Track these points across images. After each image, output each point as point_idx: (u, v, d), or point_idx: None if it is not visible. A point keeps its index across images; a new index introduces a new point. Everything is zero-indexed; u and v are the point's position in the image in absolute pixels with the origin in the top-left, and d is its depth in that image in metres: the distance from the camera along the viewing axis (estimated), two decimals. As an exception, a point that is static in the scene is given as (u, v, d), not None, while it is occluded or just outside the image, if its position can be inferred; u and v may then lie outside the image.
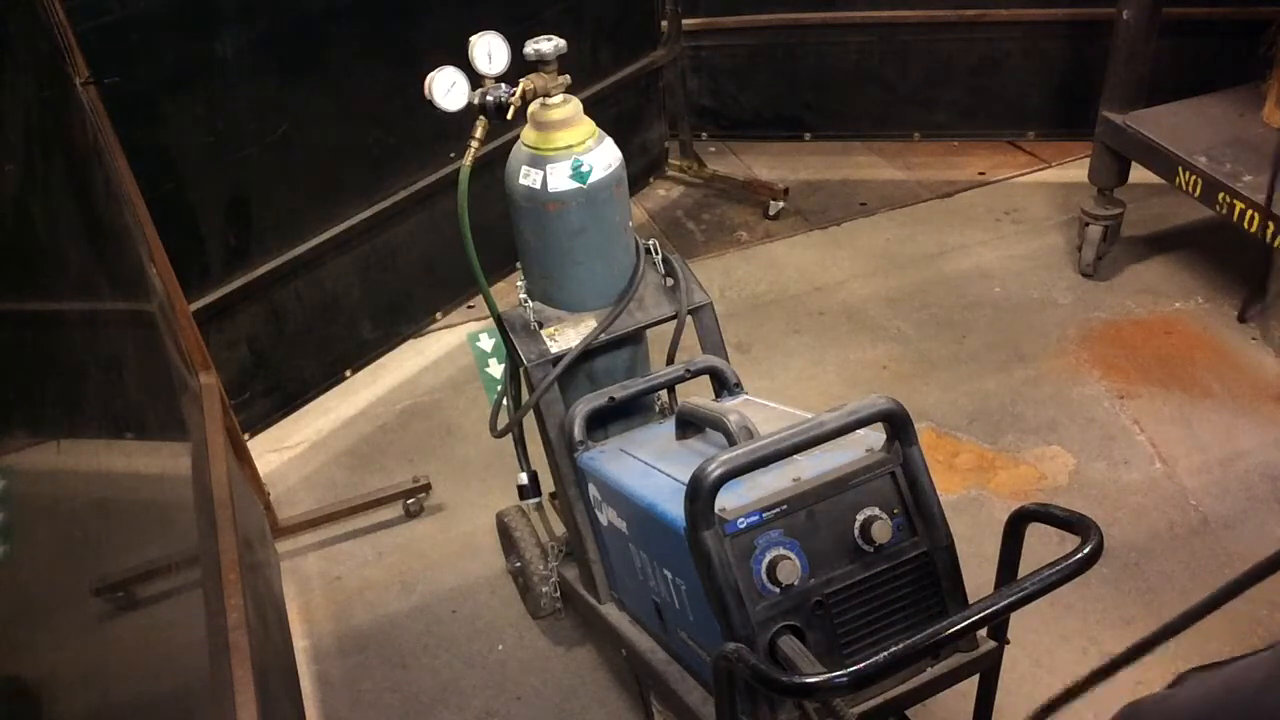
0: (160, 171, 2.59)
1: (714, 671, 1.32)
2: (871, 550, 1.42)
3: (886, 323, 3.22)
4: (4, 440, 0.99)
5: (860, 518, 1.42)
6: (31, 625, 0.91)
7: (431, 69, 1.79)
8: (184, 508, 1.70)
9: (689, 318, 1.97)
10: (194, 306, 2.51)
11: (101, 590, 1.17)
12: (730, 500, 1.37)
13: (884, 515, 1.42)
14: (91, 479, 1.28)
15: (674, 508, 1.45)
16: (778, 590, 1.36)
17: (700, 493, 1.29)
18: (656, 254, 1.98)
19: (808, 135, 4.31)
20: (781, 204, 3.86)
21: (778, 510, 1.38)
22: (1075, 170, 3.75)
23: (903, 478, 1.45)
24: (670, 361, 2.05)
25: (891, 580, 1.43)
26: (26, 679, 0.87)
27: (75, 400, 1.30)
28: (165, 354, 1.95)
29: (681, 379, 1.98)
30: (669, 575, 1.57)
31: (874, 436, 1.48)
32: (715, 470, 1.28)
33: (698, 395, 1.97)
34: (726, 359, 2.02)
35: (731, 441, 1.52)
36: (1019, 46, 3.91)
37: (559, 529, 2.28)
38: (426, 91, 1.78)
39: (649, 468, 1.69)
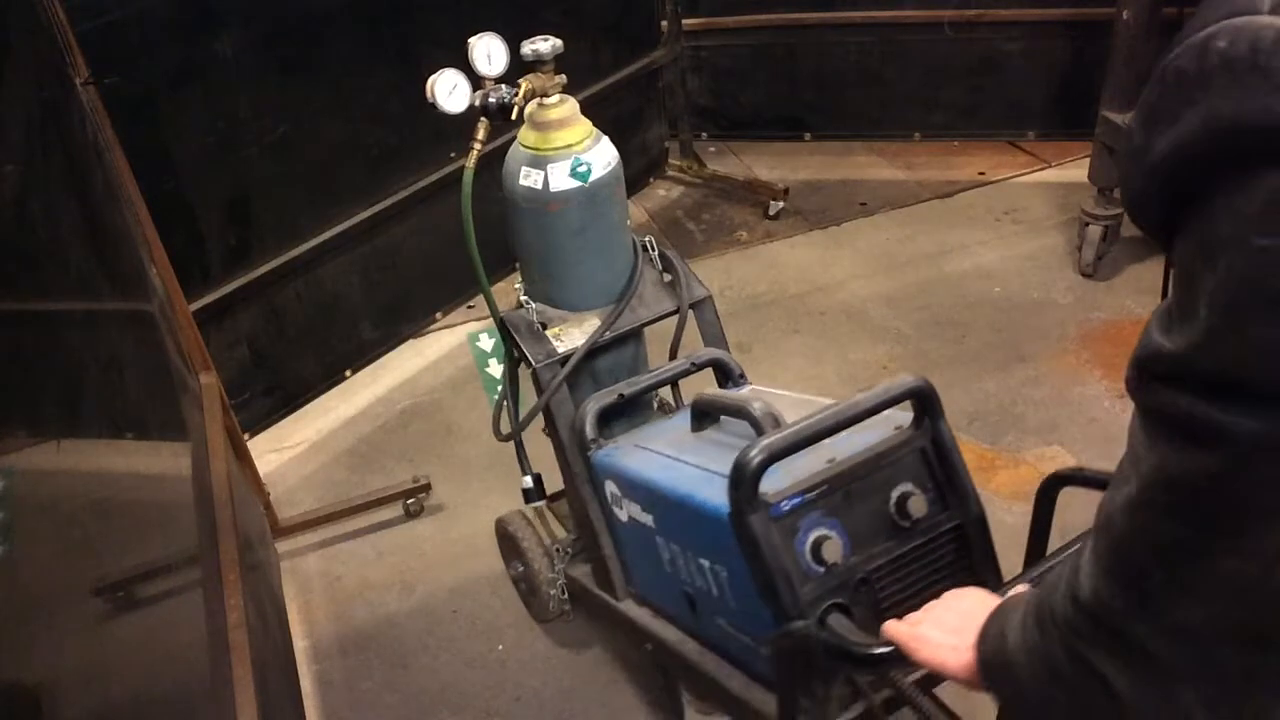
0: (160, 171, 2.59)
1: (777, 650, 1.35)
2: (908, 525, 1.45)
3: (886, 323, 3.22)
4: (4, 440, 0.99)
5: (895, 494, 1.45)
6: (31, 625, 0.91)
7: (431, 69, 1.79)
8: (184, 508, 1.70)
9: (690, 312, 1.99)
10: (194, 306, 2.51)
11: (101, 590, 1.17)
12: (770, 484, 1.39)
13: (918, 491, 1.45)
14: (91, 479, 1.28)
15: (712, 495, 1.47)
16: (822, 569, 1.39)
17: (745, 477, 1.31)
18: (653, 250, 1.99)
19: (808, 135, 4.31)
20: (781, 204, 3.86)
21: (819, 491, 1.41)
22: (1075, 170, 3.74)
23: (933, 453, 1.48)
24: (673, 356, 2.06)
25: (929, 553, 1.46)
26: (26, 679, 0.87)
27: (75, 400, 1.30)
28: (165, 354, 1.95)
29: (687, 372, 1.99)
30: (706, 564, 1.58)
31: (899, 415, 1.51)
32: (759, 455, 1.30)
33: (698, 389, 1.98)
34: (728, 351, 2.03)
35: (758, 428, 1.53)
36: (1019, 46, 3.91)
37: (559, 531, 2.28)
38: (429, 94, 1.78)
39: (672, 460, 1.70)
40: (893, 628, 1.11)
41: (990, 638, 0.93)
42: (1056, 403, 2.80)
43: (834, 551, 1.38)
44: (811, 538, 1.38)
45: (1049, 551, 1.39)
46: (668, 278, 2.00)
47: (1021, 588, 1.10)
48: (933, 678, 1.43)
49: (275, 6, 2.76)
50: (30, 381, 1.14)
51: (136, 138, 2.29)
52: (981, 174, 3.96)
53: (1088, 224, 3.23)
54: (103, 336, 1.56)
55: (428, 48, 3.06)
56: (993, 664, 0.92)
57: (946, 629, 1.02)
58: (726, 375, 2.01)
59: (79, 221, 1.62)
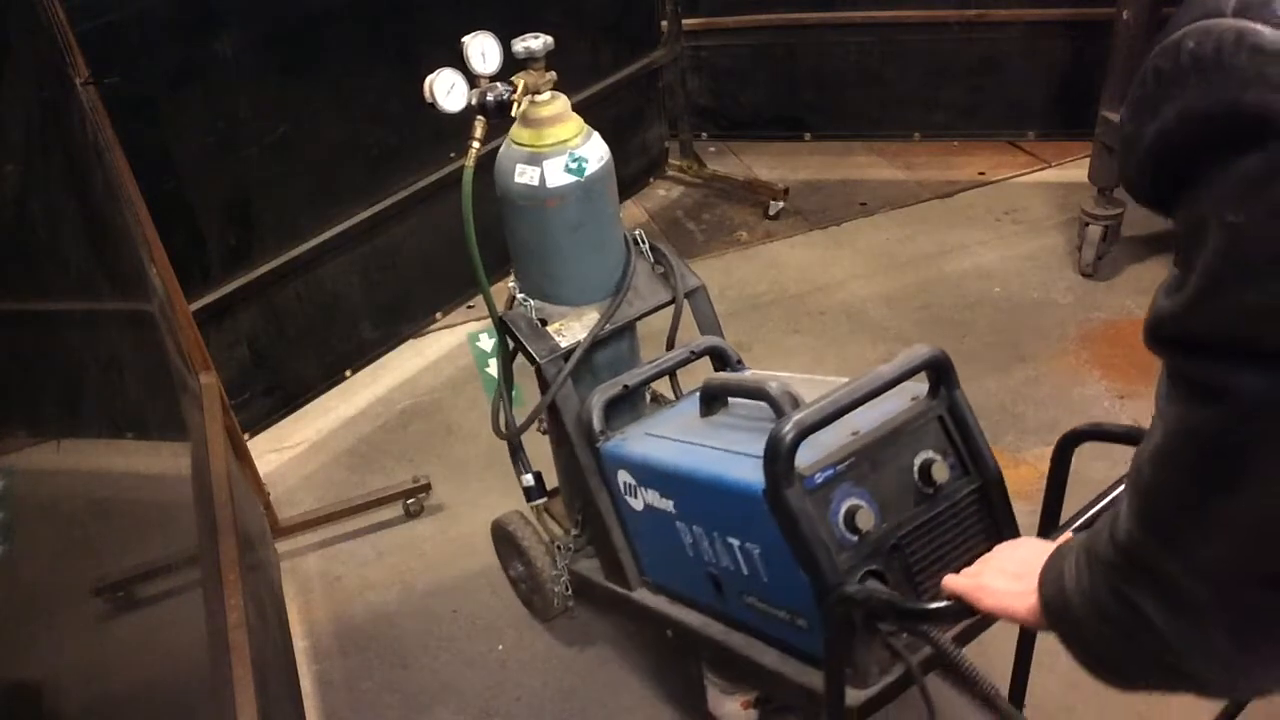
0: (160, 171, 2.59)
1: (829, 616, 1.39)
2: (932, 491, 1.50)
3: (886, 323, 3.22)
4: (4, 440, 0.99)
5: (918, 462, 1.50)
6: (32, 625, 0.91)
7: (431, 69, 1.79)
8: (184, 508, 1.70)
9: (685, 301, 2.02)
10: (194, 306, 2.51)
11: (101, 590, 1.17)
12: (801, 458, 1.41)
13: (939, 457, 1.51)
14: (91, 479, 1.29)
15: (742, 474, 1.50)
16: (856, 538, 1.43)
17: (780, 453, 1.35)
18: (644, 243, 2.02)
19: (808, 135, 4.31)
20: (781, 204, 3.86)
21: (848, 462, 1.45)
22: (1075, 170, 3.74)
23: (950, 420, 1.54)
24: (670, 346, 2.07)
25: (953, 517, 1.52)
26: (27, 679, 0.87)
27: (75, 400, 1.30)
28: (165, 354, 1.95)
29: (687, 360, 2.02)
30: (735, 542, 1.60)
31: (914, 386, 1.55)
32: (793, 431, 1.34)
33: (693, 381, 2.01)
34: (723, 337, 2.06)
35: (777, 407, 1.56)
36: (1019, 46, 3.91)
37: (556, 529, 2.28)
38: (427, 94, 1.79)
39: (691, 445, 1.72)
40: (954, 581, 1.15)
41: (1050, 580, 0.96)
42: (1056, 403, 2.80)
43: (866, 520, 1.43)
44: (844, 508, 1.43)
45: (1063, 508, 1.44)
46: (660, 269, 2.03)
47: (1070, 535, 1.13)
48: (967, 635, 1.50)
49: (275, 6, 2.76)
50: (30, 381, 1.14)
51: (136, 138, 2.29)
52: (981, 174, 3.96)
53: (1088, 224, 3.23)
54: (103, 336, 1.56)
55: (427, 47, 3.06)
56: (1053, 605, 0.95)
57: (1008, 576, 1.07)
58: (725, 362, 2.04)
59: (79, 221, 1.62)
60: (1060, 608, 0.93)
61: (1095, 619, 0.87)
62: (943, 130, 4.16)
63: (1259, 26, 0.62)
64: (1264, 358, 0.66)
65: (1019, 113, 4.06)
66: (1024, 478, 2.55)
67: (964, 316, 3.20)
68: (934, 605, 1.21)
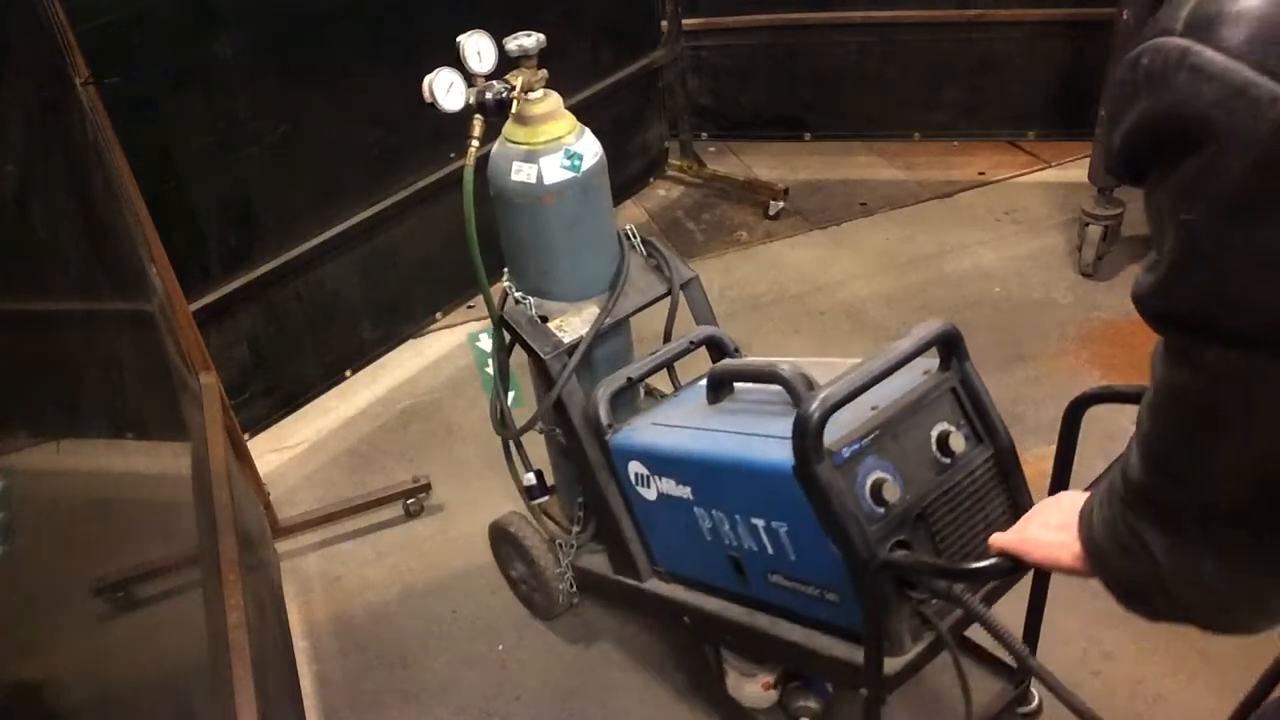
0: (160, 171, 2.59)
1: (870, 585, 1.43)
2: (950, 461, 1.55)
3: (886, 323, 3.22)
4: (4, 440, 1.00)
5: (935, 433, 1.54)
6: (32, 624, 0.91)
7: (431, 69, 1.80)
8: (184, 508, 1.70)
9: (679, 293, 2.04)
10: (194, 306, 2.51)
11: (101, 590, 1.17)
12: (826, 434, 1.43)
13: (954, 428, 1.56)
14: (91, 479, 1.29)
15: (767, 455, 1.53)
16: (882, 510, 1.46)
17: (809, 430, 1.38)
18: (635, 238, 2.05)
19: (808, 135, 4.31)
20: (781, 204, 3.86)
21: (872, 436, 1.49)
22: (1075, 170, 3.74)
23: (963, 392, 1.60)
24: (668, 338, 2.08)
25: (971, 485, 1.57)
26: (27, 679, 0.87)
27: (75, 400, 1.30)
28: (165, 354, 1.95)
29: (687, 351, 2.04)
30: (760, 523, 1.61)
31: (923, 361, 1.60)
32: (819, 408, 1.38)
33: (689, 374, 2.05)
34: (718, 327, 2.08)
35: (791, 389, 1.58)
36: (1019, 46, 3.91)
37: (553, 526, 2.28)
38: (427, 94, 1.80)
39: (706, 431, 1.74)
40: (1001, 538, 1.20)
41: (1085, 524, 1.02)
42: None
43: (892, 492, 1.45)
44: (870, 481, 1.46)
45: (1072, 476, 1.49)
46: (653, 262, 2.05)
47: None
48: (994, 594, 1.56)
49: (275, 6, 2.76)
50: (30, 381, 1.14)
51: (136, 138, 2.29)
52: (981, 174, 3.96)
53: (1088, 224, 3.23)
54: (103, 336, 1.57)
55: (428, 47, 3.03)
56: (1088, 545, 1.01)
57: (1052, 528, 1.11)
58: (723, 350, 2.05)
59: (79, 221, 1.62)
60: (1092, 547, 1.00)
61: (1119, 552, 0.94)
62: (943, 130, 4.16)
63: (1201, 47, 0.69)
64: (1223, 336, 0.75)
65: (1019, 113, 4.06)
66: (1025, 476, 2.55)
67: (964, 316, 3.20)
68: (980, 564, 1.24)
